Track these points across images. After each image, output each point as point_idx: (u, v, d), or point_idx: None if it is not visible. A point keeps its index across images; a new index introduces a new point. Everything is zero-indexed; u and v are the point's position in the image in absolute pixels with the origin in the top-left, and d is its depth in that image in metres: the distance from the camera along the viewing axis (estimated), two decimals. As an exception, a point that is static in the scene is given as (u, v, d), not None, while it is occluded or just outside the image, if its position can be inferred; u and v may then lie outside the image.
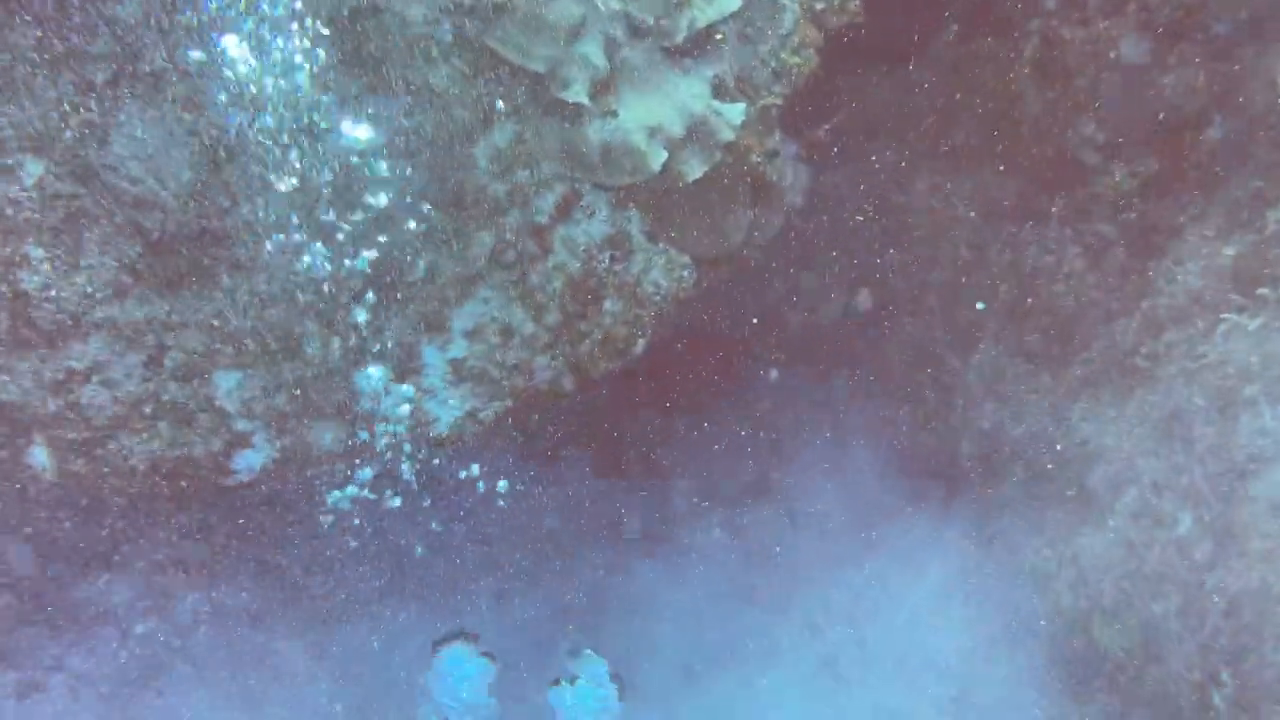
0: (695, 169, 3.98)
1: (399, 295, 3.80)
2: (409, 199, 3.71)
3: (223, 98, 3.38)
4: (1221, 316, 4.46)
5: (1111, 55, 5.31)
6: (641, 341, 4.20)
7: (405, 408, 4.03)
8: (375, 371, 3.89)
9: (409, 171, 3.70)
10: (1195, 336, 4.84)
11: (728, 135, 3.99)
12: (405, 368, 3.94)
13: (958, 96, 6.02)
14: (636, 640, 7.19)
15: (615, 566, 7.30)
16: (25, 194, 3.31)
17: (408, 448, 4.11)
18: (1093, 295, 5.69)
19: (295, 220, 3.55)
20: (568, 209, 3.94)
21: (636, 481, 6.86)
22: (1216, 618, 4.56)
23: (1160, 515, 4.94)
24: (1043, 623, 5.74)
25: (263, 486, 4.01)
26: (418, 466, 4.16)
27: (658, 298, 4.14)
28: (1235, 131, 5.06)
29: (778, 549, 7.70)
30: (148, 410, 3.71)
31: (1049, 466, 5.86)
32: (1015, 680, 5.95)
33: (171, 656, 4.73)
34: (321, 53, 3.39)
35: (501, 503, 4.93)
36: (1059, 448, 5.78)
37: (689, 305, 4.25)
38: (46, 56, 3.19)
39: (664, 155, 3.91)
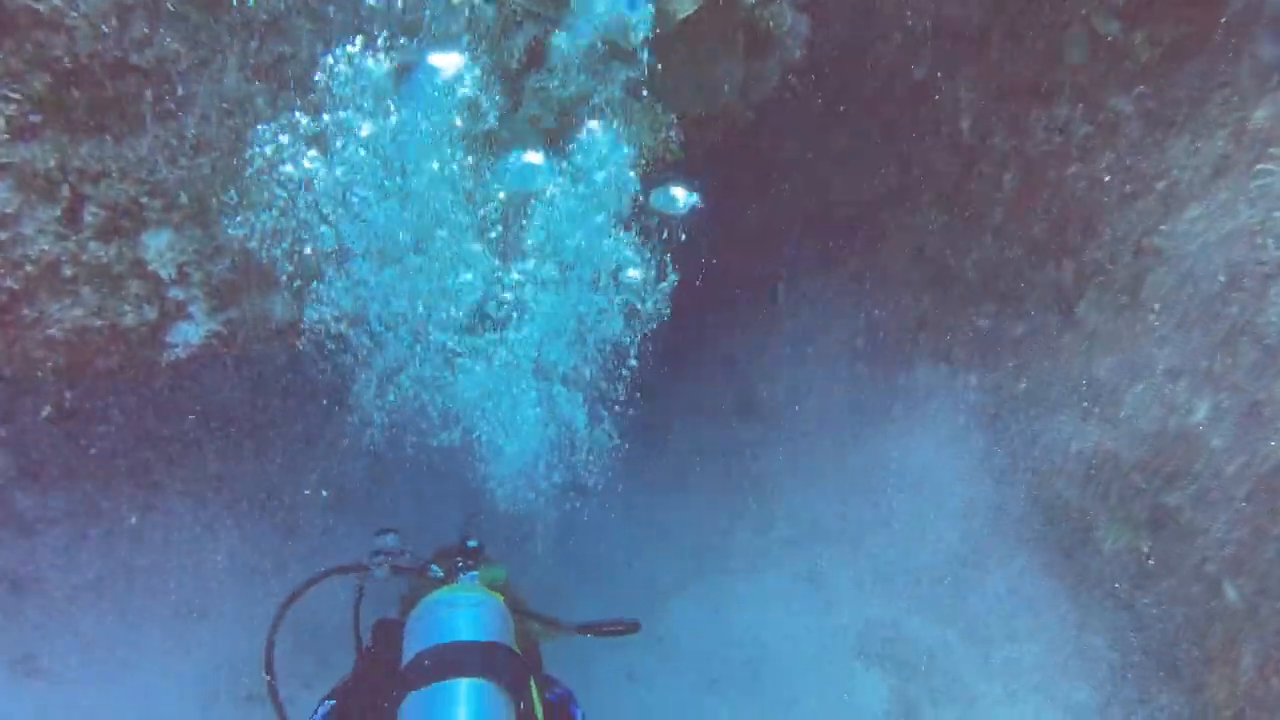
0: (685, 5, 3.53)
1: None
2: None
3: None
4: (1257, 169, 4.09)
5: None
6: (626, 209, 3.78)
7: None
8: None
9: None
10: (1217, 210, 4.50)
11: (721, -33, 3.54)
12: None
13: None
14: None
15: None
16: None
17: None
18: (1105, 178, 5.32)
19: (231, 54, 3.09)
20: (539, 54, 3.50)
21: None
22: (1235, 505, 4.30)
23: (1174, 403, 4.65)
24: (1045, 523, 5.50)
25: (202, 363, 3.59)
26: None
27: (641, 161, 3.72)
28: (1268, -11, 4.66)
29: (761, 457, 7.42)
30: (67, 273, 3.28)
31: (1051, 362, 5.55)
32: (1014, 584, 5.74)
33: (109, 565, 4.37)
34: None
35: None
36: (1063, 341, 5.47)
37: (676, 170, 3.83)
38: None
39: (650, -12, 3.46)
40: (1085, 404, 5.16)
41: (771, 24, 3.76)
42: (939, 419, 6.33)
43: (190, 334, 3.58)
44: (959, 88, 6.02)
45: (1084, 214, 5.37)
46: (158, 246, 3.37)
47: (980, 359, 6.12)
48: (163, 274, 3.42)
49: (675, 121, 3.70)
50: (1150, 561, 4.80)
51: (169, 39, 3.02)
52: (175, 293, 3.47)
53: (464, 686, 2.34)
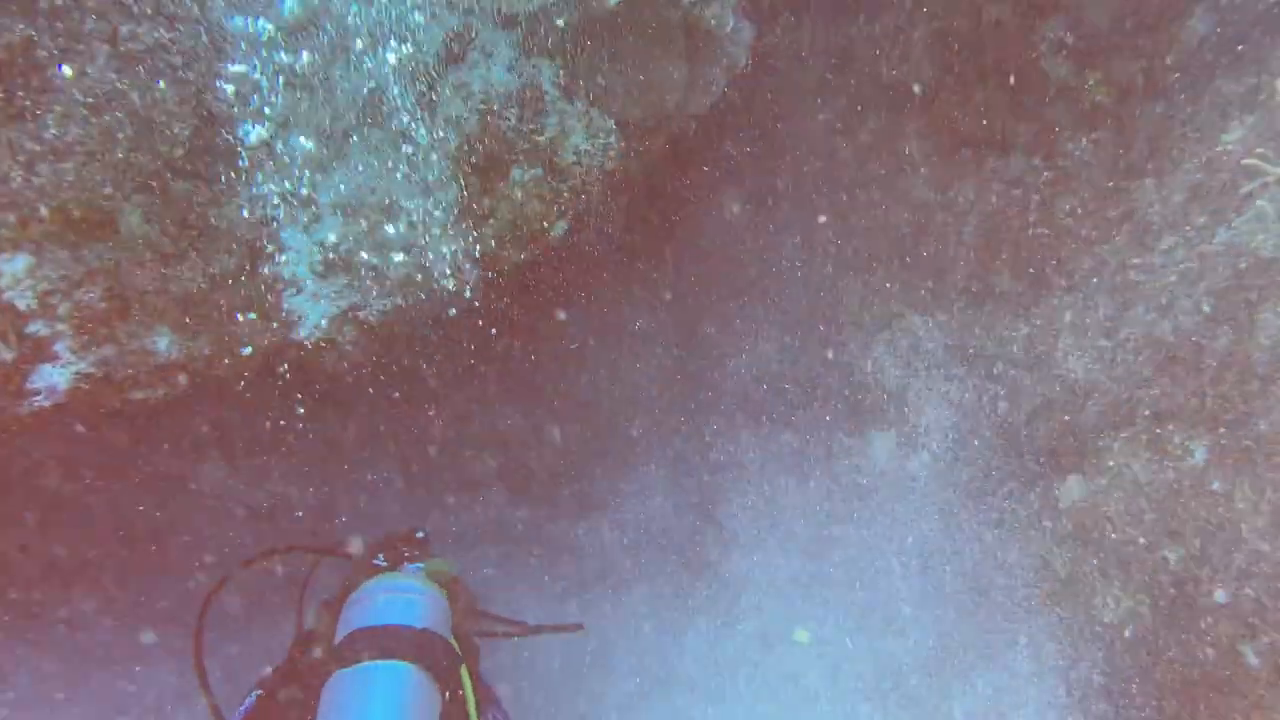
0: (614, -11, 3.24)
1: (241, 154, 2.97)
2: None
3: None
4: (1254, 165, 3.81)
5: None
6: (561, 223, 3.41)
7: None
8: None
9: None
10: (1193, 236, 4.26)
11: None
12: (257, 251, 3.09)
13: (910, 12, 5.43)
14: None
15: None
16: None
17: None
18: (1068, 224, 5.11)
19: (98, 30, 2.71)
20: (461, 48, 3.17)
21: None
22: (1247, 555, 3.88)
23: (1167, 447, 4.28)
24: (1032, 595, 5.03)
25: (70, 413, 3.08)
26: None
27: (579, 168, 3.36)
28: (1221, 21, 4.57)
29: (715, 547, 6.92)
30: (-98, 302, 2.80)
31: (1027, 417, 5.20)
32: (1003, 669, 5.22)
33: None
34: None
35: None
36: (1039, 397, 5.13)
37: (616, 181, 3.48)
38: None
39: (577, -30, 3.17)
40: (1070, 457, 4.78)
41: (713, 23, 3.48)
42: (910, 492, 5.93)
43: (57, 378, 3.08)
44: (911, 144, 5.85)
45: (1053, 260, 5.13)
46: (14, 272, 2.90)
47: (948, 431, 5.76)
48: (20, 305, 2.94)
49: (615, 127, 3.37)
50: (1156, 628, 4.34)
51: (21, 24, 2.64)
52: (36, 327, 2.99)
53: (391, 668, 2.33)
